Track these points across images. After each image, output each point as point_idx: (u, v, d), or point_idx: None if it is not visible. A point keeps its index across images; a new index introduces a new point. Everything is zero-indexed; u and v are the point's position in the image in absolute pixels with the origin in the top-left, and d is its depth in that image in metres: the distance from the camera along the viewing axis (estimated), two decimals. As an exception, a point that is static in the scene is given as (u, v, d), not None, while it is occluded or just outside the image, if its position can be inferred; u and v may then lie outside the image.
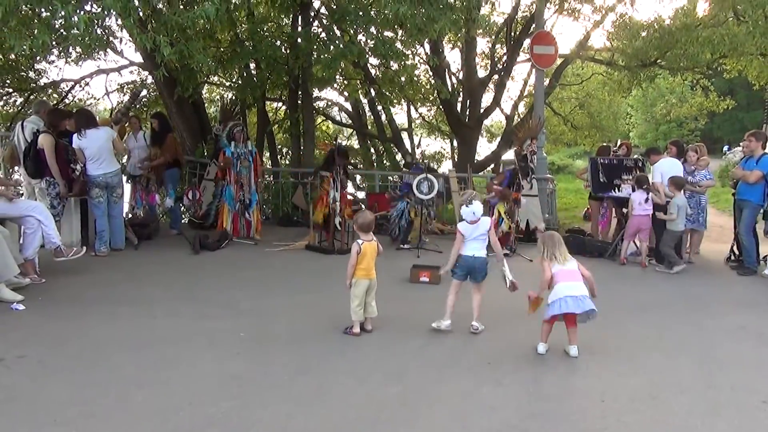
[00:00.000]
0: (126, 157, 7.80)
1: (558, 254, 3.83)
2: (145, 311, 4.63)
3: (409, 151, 12.76)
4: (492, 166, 14.27)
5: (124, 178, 7.50)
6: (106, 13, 4.93)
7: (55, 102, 12.06)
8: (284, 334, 4.22)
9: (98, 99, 13.90)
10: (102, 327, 4.24)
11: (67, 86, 12.84)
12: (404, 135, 17.54)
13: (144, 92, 12.64)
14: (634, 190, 7.26)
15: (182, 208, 8.83)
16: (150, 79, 12.21)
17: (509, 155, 11.58)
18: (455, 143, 16.49)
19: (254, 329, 4.28)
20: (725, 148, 31.47)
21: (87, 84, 13.07)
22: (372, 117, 16.37)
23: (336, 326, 4.32)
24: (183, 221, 8.76)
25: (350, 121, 17.41)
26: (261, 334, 4.20)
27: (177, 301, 4.93)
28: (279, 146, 14.47)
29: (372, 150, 16.51)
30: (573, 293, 3.76)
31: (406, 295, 5.33)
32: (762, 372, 3.77)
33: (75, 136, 6.46)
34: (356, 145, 16.99)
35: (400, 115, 18.92)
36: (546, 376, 3.61)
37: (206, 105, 13.12)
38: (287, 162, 13.27)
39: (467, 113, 14.22)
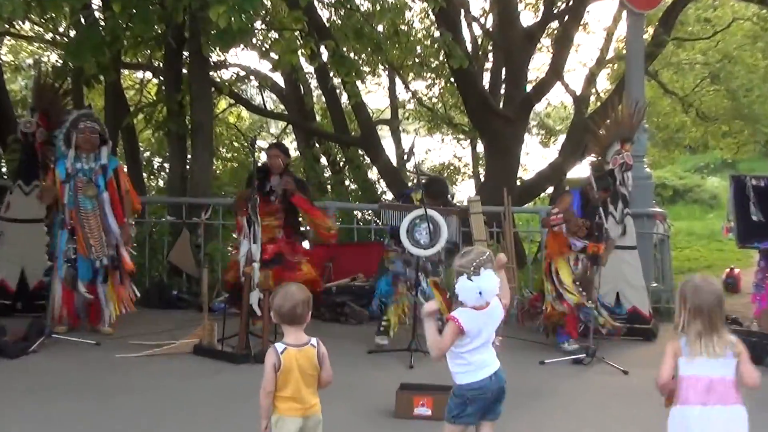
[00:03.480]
0: None
1: (706, 332, 3.19)
2: None
3: (405, 156, 12.00)
4: (550, 190, 12.44)
5: None
6: None
7: None
8: None
9: None
10: None
11: None
12: (384, 132, 16.54)
13: None
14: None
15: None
16: None
17: (580, 171, 11.22)
18: (480, 148, 15.14)
19: None
20: None
21: None
22: (324, 100, 14.36)
23: None
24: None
25: (282, 108, 15.57)
26: None
27: None
28: (146, 153, 13.25)
29: (323, 161, 14.11)
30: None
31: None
32: None
33: None
34: (294, 151, 15.00)
35: (376, 95, 17.33)
36: None
37: (6, 76, 11.93)
38: (161, 184, 12.30)
39: (502, 93, 12.82)
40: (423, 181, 7.17)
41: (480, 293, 3.44)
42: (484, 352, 3.56)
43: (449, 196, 7.54)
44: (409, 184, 11.22)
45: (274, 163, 7.00)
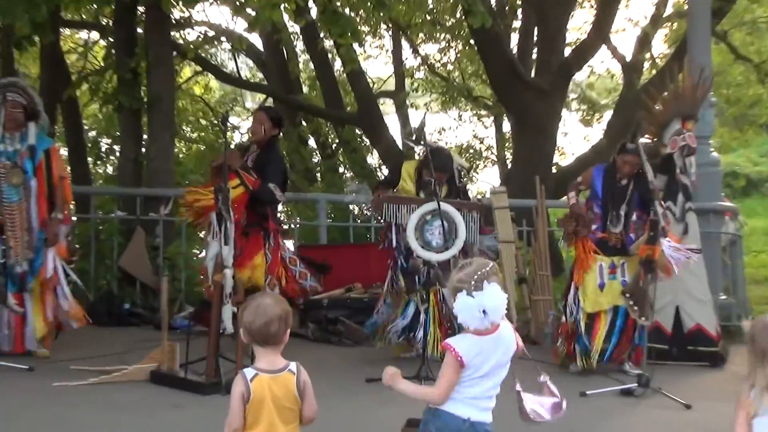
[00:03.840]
0: None
1: None
2: None
3: (413, 137, 9.26)
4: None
5: None
6: None
7: None
8: None
9: None
10: None
11: None
12: (387, 106, 15.98)
13: None
14: None
15: None
16: None
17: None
18: (507, 126, 14.77)
19: None
20: None
21: None
22: (312, 67, 14.14)
23: None
24: None
25: (260, 77, 15.31)
26: None
27: None
28: (91, 132, 12.95)
29: (312, 142, 13.74)
30: None
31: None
32: None
33: None
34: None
35: (377, 62, 16.71)
36: None
37: None
38: (111, 171, 12.05)
39: (534, 58, 12.48)
40: (422, 144, 6.56)
41: (483, 312, 3.18)
42: (481, 388, 3.27)
43: (459, 170, 6.93)
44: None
45: (254, 129, 6.57)
